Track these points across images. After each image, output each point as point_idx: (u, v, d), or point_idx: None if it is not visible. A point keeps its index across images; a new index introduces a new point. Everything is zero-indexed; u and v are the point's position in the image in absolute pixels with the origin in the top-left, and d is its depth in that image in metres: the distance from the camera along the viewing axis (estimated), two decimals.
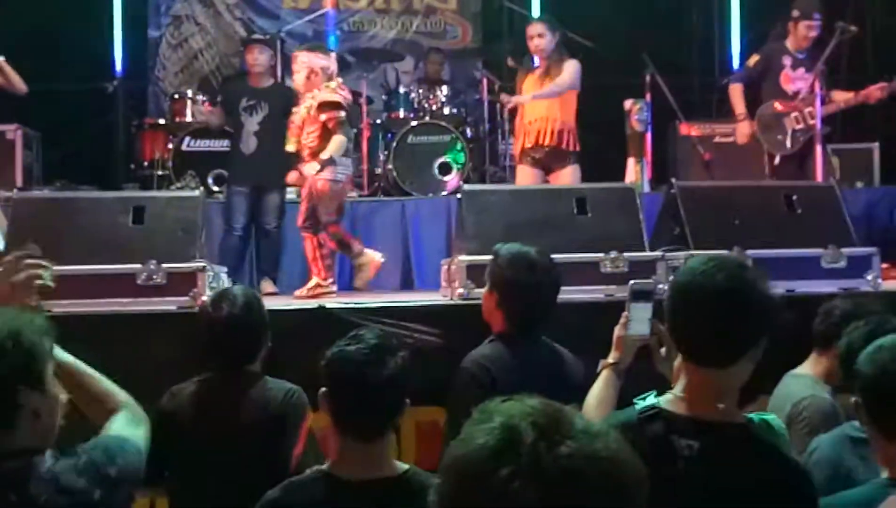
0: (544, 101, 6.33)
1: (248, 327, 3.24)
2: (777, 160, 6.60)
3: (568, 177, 6.28)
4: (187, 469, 3.10)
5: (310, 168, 5.34)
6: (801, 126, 6.57)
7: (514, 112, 6.73)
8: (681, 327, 2.07)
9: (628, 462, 1.15)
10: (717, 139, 7.83)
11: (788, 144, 6.61)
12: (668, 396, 2.07)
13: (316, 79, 5.41)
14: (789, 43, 6.65)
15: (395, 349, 2.40)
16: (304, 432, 3.12)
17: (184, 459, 3.09)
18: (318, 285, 5.37)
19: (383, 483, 2.31)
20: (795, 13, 6.61)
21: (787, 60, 6.65)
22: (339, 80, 5.59)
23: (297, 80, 5.50)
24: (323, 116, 5.33)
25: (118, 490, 2.01)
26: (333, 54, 5.77)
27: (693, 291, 2.02)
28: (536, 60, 6.56)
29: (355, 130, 7.84)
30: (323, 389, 2.39)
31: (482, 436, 1.14)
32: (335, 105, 5.36)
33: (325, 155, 5.29)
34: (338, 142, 5.33)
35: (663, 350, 2.58)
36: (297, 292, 5.41)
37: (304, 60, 5.47)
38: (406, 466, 2.39)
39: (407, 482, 2.31)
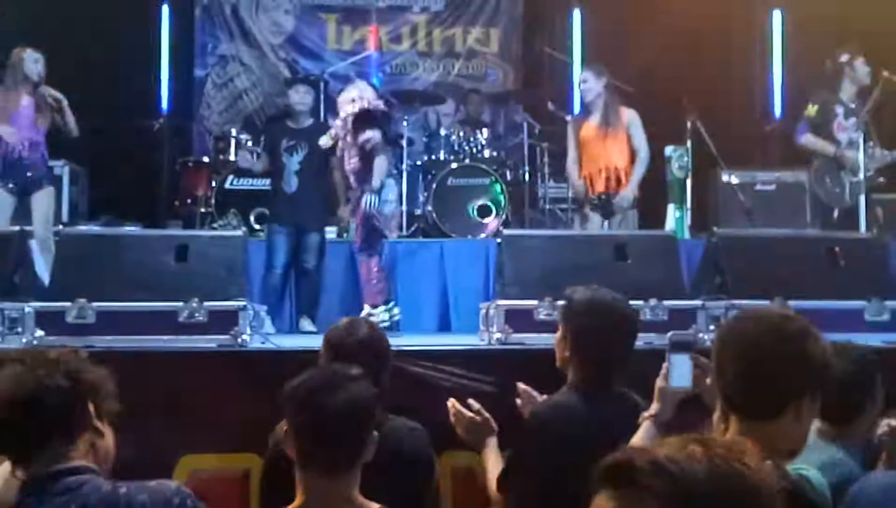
0: (604, 149, 6.38)
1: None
2: (836, 213, 6.54)
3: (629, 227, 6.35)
4: None
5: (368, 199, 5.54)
6: (856, 179, 6.51)
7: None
8: (720, 376, 2.06)
9: None
10: (758, 187, 7.79)
11: (847, 197, 6.55)
12: None
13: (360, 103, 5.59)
14: (844, 91, 6.62)
15: (356, 377, 2.32)
16: None
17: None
18: (370, 316, 5.45)
19: None
20: (844, 57, 6.57)
21: (839, 109, 6.63)
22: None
23: (343, 101, 5.64)
24: (360, 140, 5.48)
25: None
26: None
27: (730, 340, 2.03)
28: (577, 107, 6.60)
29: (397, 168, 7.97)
30: (284, 426, 2.31)
31: None
32: (369, 118, 5.50)
33: (376, 183, 5.49)
34: (379, 167, 5.53)
35: (707, 400, 2.56)
36: None
37: (359, 86, 5.69)
38: (376, 506, 2.28)
39: None
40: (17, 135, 6.19)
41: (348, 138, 5.54)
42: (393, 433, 3.02)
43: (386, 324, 5.41)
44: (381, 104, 5.67)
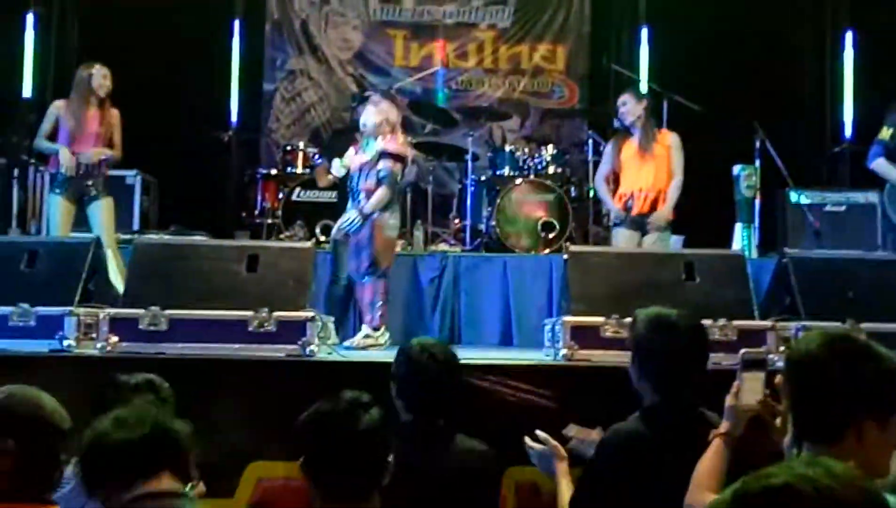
0: (643, 171, 6.37)
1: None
2: None
3: (655, 243, 6.30)
4: None
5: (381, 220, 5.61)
6: None
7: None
8: (787, 398, 2.06)
9: None
10: (827, 208, 7.68)
11: None
12: None
13: (386, 129, 5.66)
14: None
15: (369, 405, 2.31)
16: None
17: None
18: (367, 336, 5.52)
19: None
20: None
21: None
22: (405, 136, 5.95)
23: (369, 122, 5.69)
24: (380, 165, 5.58)
25: None
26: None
27: (791, 361, 2.03)
28: (632, 130, 6.58)
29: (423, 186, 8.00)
30: (301, 459, 2.29)
31: None
32: (396, 158, 5.62)
33: (367, 209, 5.57)
34: (379, 196, 5.57)
35: (778, 421, 2.53)
36: (350, 342, 5.51)
37: (383, 109, 5.71)
38: None
39: None
40: (81, 148, 6.35)
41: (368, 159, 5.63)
42: (463, 453, 3.04)
43: (384, 347, 5.43)
44: (409, 153, 5.84)
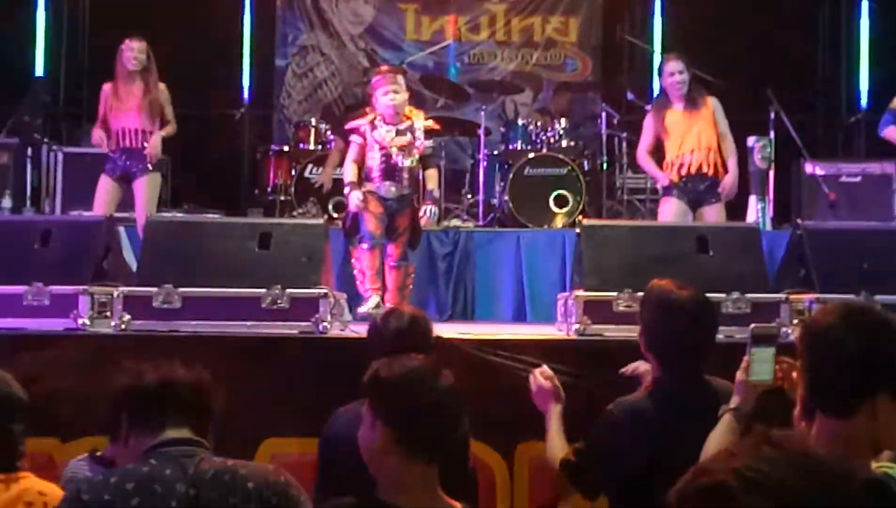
0: (692, 133, 6.25)
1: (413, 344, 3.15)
2: None
3: (711, 215, 6.17)
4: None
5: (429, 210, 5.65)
6: None
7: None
8: (804, 372, 2.04)
9: None
10: (842, 179, 7.63)
11: None
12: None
13: (410, 105, 5.70)
14: None
15: (441, 370, 2.31)
16: None
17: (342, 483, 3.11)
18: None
19: None
20: None
21: None
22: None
23: (400, 99, 5.56)
24: (421, 143, 5.56)
25: None
26: None
27: (806, 335, 2.01)
28: (669, 97, 6.43)
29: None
30: (371, 408, 2.28)
31: None
32: (436, 132, 5.68)
33: (436, 194, 5.69)
34: (436, 175, 5.68)
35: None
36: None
37: (402, 84, 5.64)
38: (459, 505, 2.27)
39: None
40: (123, 123, 6.32)
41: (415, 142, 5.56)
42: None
43: None
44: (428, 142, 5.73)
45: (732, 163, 6.26)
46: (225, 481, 2.18)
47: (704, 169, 6.17)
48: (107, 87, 6.42)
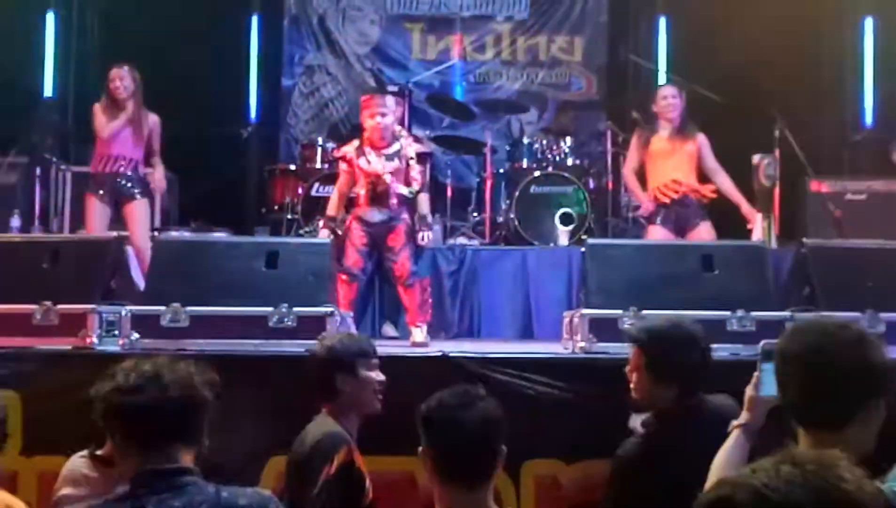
0: (673, 163, 6.34)
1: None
2: None
3: (704, 234, 6.25)
4: None
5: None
6: None
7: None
8: (784, 390, 2.10)
9: None
10: (848, 197, 7.64)
11: None
12: None
13: (398, 127, 5.75)
14: None
15: (484, 396, 2.45)
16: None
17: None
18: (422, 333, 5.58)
19: None
20: None
21: None
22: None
23: (386, 121, 5.59)
24: (415, 170, 5.64)
25: None
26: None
27: (790, 353, 2.07)
28: (658, 122, 6.53)
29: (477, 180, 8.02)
30: (420, 447, 2.43)
31: None
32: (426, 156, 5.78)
33: (429, 219, 5.73)
34: (427, 201, 5.73)
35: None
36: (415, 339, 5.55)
37: (391, 106, 5.68)
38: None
39: None
40: (112, 152, 6.43)
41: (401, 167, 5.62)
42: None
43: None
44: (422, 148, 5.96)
45: (740, 197, 6.35)
46: None
47: (686, 195, 6.29)
48: (96, 108, 6.52)
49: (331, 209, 5.72)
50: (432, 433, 2.39)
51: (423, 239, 5.68)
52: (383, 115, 5.56)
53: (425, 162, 5.91)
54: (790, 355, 2.08)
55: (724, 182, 6.41)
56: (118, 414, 2.21)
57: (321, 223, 5.69)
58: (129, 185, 6.45)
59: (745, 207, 6.36)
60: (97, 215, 6.41)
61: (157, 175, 6.53)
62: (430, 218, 5.81)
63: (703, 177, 6.55)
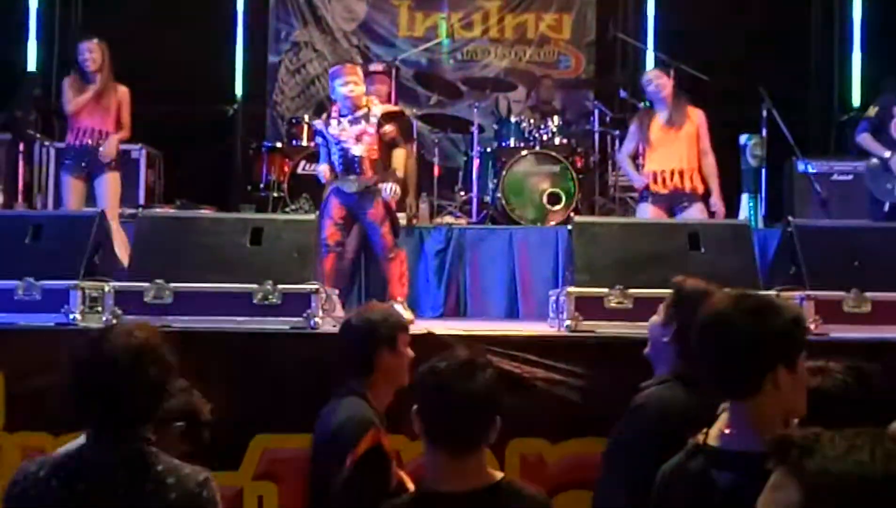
0: (673, 148, 6.33)
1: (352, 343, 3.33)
2: (887, 207, 6.51)
3: (695, 215, 6.25)
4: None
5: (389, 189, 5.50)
6: None
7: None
8: (701, 364, 2.20)
9: None
10: (834, 177, 7.65)
11: None
12: (714, 431, 2.15)
13: (365, 97, 5.64)
14: None
15: (485, 366, 2.42)
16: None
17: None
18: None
19: (476, 494, 2.33)
20: None
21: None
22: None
23: (358, 91, 5.54)
24: (388, 129, 5.51)
25: None
26: None
27: (697, 327, 2.16)
28: (656, 107, 6.53)
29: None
30: (414, 406, 2.42)
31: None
32: (398, 115, 5.65)
33: (399, 173, 5.54)
34: (402, 155, 5.57)
35: None
36: None
37: (361, 76, 5.65)
38: (500, 475, 2.41)
39: (501, 491, 2.34)
40: (80, 125, 6.42)
41: (368, 129, 5.53)
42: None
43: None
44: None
45: (716, 185, 6.34)
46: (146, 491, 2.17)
47: (681, 186, 6.28)
48: (66, 81, 6.50)
49: (327, 175, 5.62)
50: (422, 395, 2.39)
51: (388, 191, 5.49)
52: (355, 83, 5.52)
53: (397, 120, 5.71)
54: (696, 327, 2.17)
55: (709, 166, 6.40)
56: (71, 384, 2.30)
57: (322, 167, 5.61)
58: (98, 159, 6.42)
59: (716, 196, 6.36)
60: (71, 191, 6.43)
61: (110, 142, 6.45)
62: (399, 173, 5.62)
63: None
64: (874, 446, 1.16)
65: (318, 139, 5.73)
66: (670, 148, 6.34)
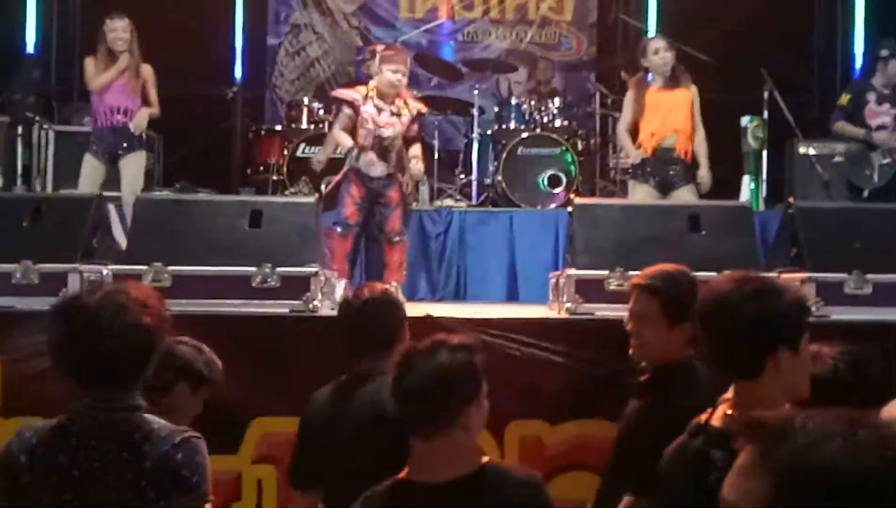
0: (668, 114, 6.25)
1: (380, 320, 3.18)
2: (866, 194, 6.53)
3: (686, 196, 6.18)
4: (324, 472, 3.11)
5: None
6: (888, 160, 6.53)
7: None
8: (704, 345, 2.25)
9: None
10: (836, 159, 7.60)
11: (876, 178, 6.57)
12: (718, 412, 2.16)
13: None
14: (876, 80, 6.73)
15: (459, 347, 2.32)
16: None
17: (321, 462, 3.12)
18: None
19: (456, 483, 2.24)
20: (884, 52, 6.68)
21: (871, 96, 6.70)
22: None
23: (404, 81, 5.52)
24: (415, 127, 5.59)
25: None
26: None
27: (699, 309, 2.18)
28: (650, 75, 6.46)
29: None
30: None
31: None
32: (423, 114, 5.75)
33: (420, 166, 5.56)
34: (420, 151, 5.60)
35: None
36: None
37: (408, 65, 5.62)
38: (485, 459, 2.32)
39: (484, 477, 2.26)
40: (107, 104, 6.32)
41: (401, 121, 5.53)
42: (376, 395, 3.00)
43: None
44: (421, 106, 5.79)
45: (704, 158, 6.26)
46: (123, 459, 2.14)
47: (676, 151, 6.18)
48: (89, 61, 6.40)
49: (348, 140, 5.50)
50: (395, 377, 2.33)
51: (406, 185, 5.58)
52: (403, 74, 5.49)
53: (420, 122, 5.82)
54: (699, 311, 2.18)
55: (699, 140, 6.32)
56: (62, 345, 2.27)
57: (355, 152, 5.43)
58: (123, 138, 6.33)
59: (704, 170, 6.28)
60: (88, 173, 6.30)
61: (140, 114, 6.36)
62: (420, 167, 5.61)
63: None
64: (847, 436, 1.12)
65: (347, 110, 5.57)
66: (665, 113, 6.25)
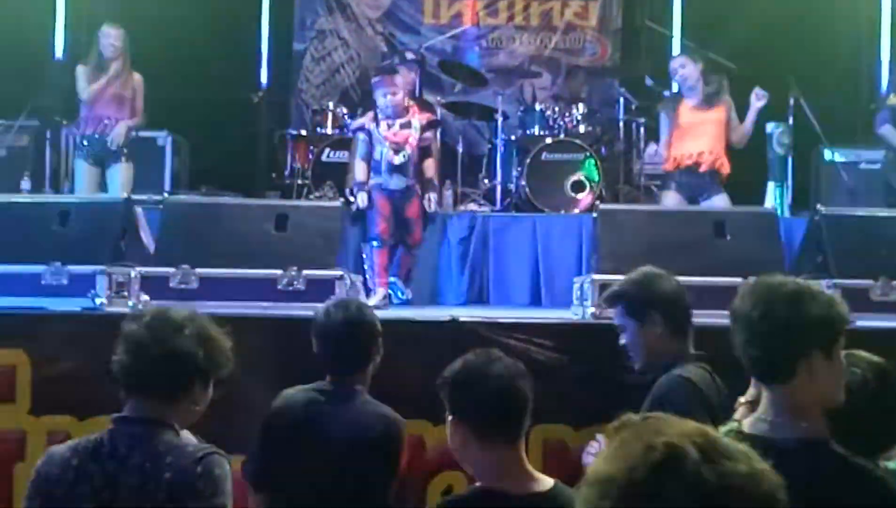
0: (701, 133, 6.27)
1: (357, 335, 3.25)
2: None
3: (718, 205, 6.20)
4: (286, 476, 3.15)
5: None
6: None
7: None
8: (739, 348, 2.18)
9: (774, 480, 1.24)
10: (862, 165, 7.57)
11: None
12: (749, 418, 2.17)
13: (404, 100, 5.99)
14: None
15: (501, 355, 2.46)
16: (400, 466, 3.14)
17: (282, 469, 3.15)
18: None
19: (537, 497, 2.34)
20: None
21: None
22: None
23: (396, 99, 5.86)
24: (427, 136, 5.95)
25: None
26: None
27: (734, 312, 2.15)
28: (675, 87, 6.50)
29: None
30: (448, 416, 2.41)
31: (641, 453, 1.18)
32: (434, 123, 6.13)
33: (435, 180, 6.03)
34: (434, 164, 6.06)
35: None
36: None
37: (399, 84, 6.03)
38: (552, 480, 2.41)
39: (563, 493, 2.35)
40: (95, 114, 6.47)
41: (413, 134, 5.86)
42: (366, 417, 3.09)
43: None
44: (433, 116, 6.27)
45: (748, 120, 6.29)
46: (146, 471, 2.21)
47: (704, 169, 6.21)
48: (80, 69, 6.51)
49: (361, 175, 5.91)
50: (463, 394, 2.38)
51: (428, 201, 5.92)
52: (394, 93, 5.86)
53: (434, 128, 6.00)
54: (735, 313, 2.17)
55: (741, 136, 6.36)
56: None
57: (356, 189, 5.89)
58: (111, 147, 6.45)
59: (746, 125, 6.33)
60: (85, 177, 6.46)
61: (118, 129, 6.47)
62: (435, 182, 6.07)
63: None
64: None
65: (362, 136, 5.99)
66: (698, 131, 6.26)
